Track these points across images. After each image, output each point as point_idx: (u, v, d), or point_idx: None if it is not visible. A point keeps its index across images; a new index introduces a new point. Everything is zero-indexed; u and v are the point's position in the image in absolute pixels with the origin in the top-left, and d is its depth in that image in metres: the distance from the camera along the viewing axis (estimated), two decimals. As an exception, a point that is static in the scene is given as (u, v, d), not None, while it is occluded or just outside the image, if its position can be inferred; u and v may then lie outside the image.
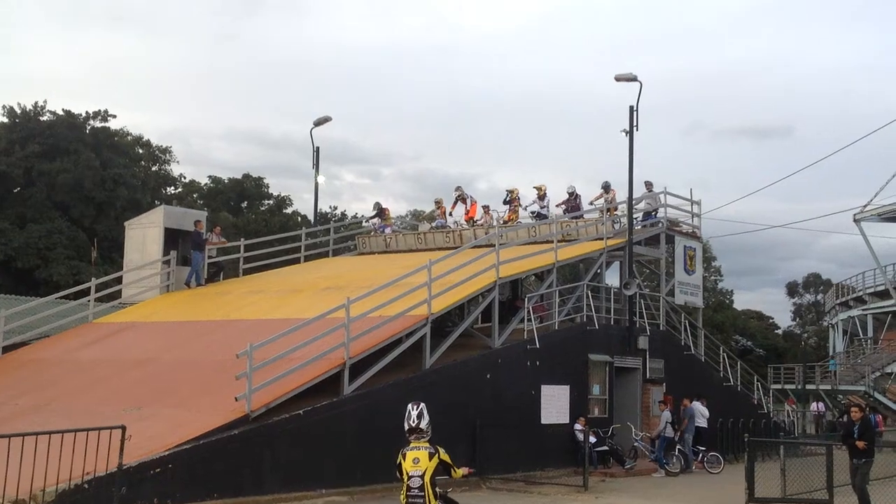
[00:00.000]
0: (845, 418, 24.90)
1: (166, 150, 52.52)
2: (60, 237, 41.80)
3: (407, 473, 9.54)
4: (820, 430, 38.48)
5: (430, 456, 9.56)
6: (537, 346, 22.49)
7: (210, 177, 60.55)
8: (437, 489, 9.61)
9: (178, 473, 14.43)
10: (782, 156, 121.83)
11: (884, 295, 57.46)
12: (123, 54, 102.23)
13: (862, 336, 59.77)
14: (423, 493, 9.48)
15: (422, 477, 9.49)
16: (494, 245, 22.96)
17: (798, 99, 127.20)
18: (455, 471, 9.90)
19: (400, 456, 9.67)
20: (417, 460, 9.57)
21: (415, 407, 9.86)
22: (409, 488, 9.52)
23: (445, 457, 9.62)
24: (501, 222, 29.16)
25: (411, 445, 9.69)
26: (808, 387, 47.27)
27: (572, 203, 29.44)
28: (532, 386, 22.40)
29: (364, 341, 18.23)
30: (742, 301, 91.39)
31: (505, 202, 30.13)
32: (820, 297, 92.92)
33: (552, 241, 25.10)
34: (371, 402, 18.12)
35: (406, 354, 19.34)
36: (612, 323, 26.34)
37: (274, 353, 16.70)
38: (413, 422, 9.78)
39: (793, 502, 17.24)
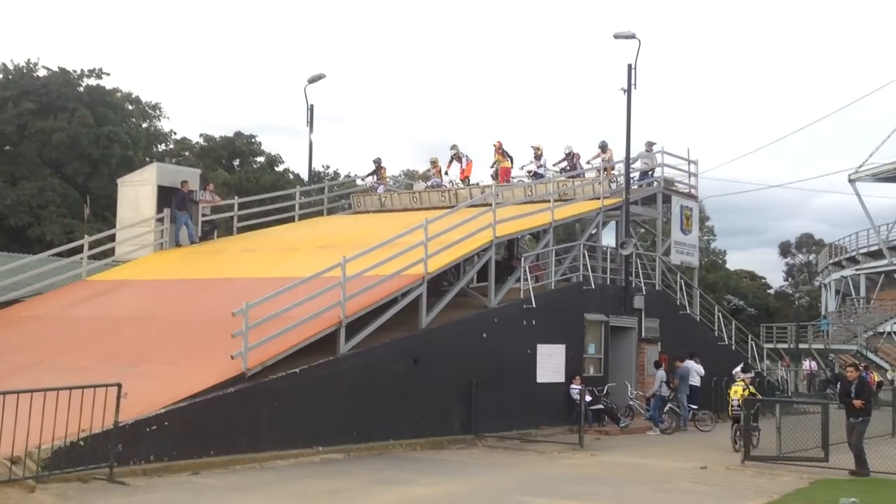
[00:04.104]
0: (838, 381, 25.02)
1: (156, 107, 52.00)
2: (53, 195, 41.41)
3: (731, 398, 20.44)
4: (812, 388, 38.71)
5: (743, 389, 20.01)
6: (533, 305, 22.46)
7: (202, 134, 60.06)
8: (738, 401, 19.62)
9: (174, 431, 14.38)
10: (778, 115, 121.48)
11: (877, 255, 57.61)
12: (108, 9, 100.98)
13: (854, 296, 60.00)
14: (740, 408, 19.12)
15: (738, 401, 19.58)
16: (491, 204, 22.83)
17: (794, 57, 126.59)
18: (757, 395, 20.85)
19: (727, 387, 22.24)
20: (736, 392, 20.26)
21: (739, 368, 23.50)
22: (731, 406, 20.37)
23: (752, 390, 20.39)
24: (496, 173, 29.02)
25: (736, 383, 21.07)
26: (801, 346, 47.46)
27: (569, 162, 29.30)
28: (528, 345, 22.40)
29: (360, 300, 18.14)
30: (735, 261, 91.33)
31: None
32: (812, 257, 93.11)
33: (549, 201, 24.94)
34: (367, 360, 18.09)
35: (402, 314, 19.26)
36: (608, 283, 26.36)
37: (270, 312, 16.59)
38: (734, 372, 23.28)
39: (788, 460, 17.29)
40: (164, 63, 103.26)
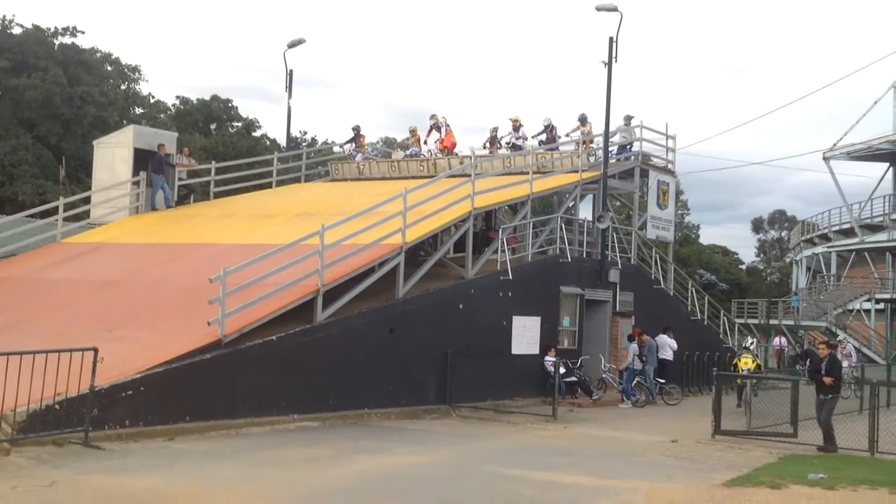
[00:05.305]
0: (807, 357, 25.53)
1: (135, 69, 51.32)
2: (26, 154, 40.86)
3: (740, 368, 23.10)
4: (781, 364, 39.15)
5: (752, 361, 23.48)
6: (510, 277, 22.52)
7: (178, 97, 59.48)
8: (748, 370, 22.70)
9: (150, 396, 14.37)
10: (754, 91, 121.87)
11: (849, 233, 58.23)
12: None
13: (825, 273, 60.63)
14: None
15: (748, 369, 22.56)
16: (469, 175, 22.83)
17: (772, 34, 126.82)
18: (760, 368, 24.34)
19: (737, 359, 24.17)
20: (746, 362, 23.13)
21: (748, 342, 27.53)
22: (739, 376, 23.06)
23: (758, 362, 24.34)
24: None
25: (743, 355, 24.03)
26: (772, 322, 48.02)
27: (548, 135, 29.33)
28: (504, 317, 22.50)
29: (338, 269, 18.14)
30: (708, 236, 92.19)
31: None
32: (784, 233, 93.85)
33: (527, 173, 24.97)
34: (344, 329, 18.12)
35: (379, 283, 19.28)
36: (584, 256, 26.47)
37: (247, 279, 16.56)
38: (746, 345, 26.55)
39: (758, 435, 17.54)
40: (141, 23, 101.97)
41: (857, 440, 16.51)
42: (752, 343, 27.40)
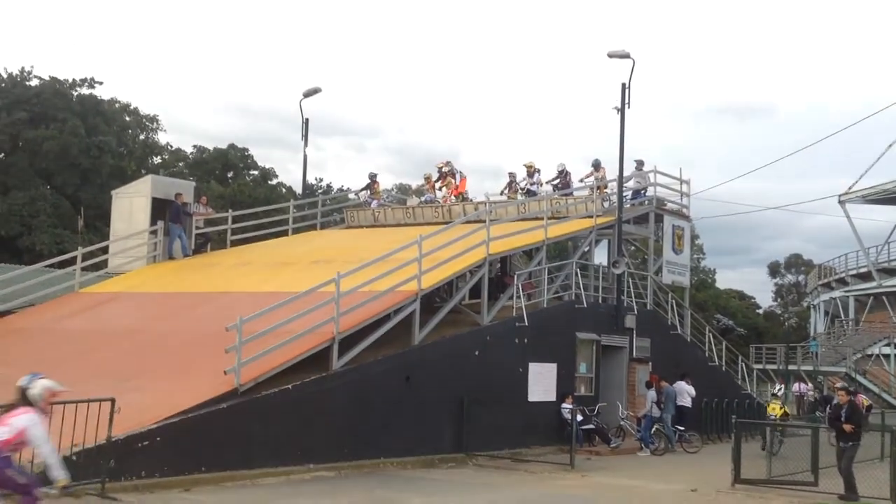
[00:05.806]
0: (827, 403, 25.33)
1: (154, 119, 51.95)
2: (44, 205, 41.30)
3: (768, 414, 24.40)
4: (802, 411, 38.72)
5: (780, 408, 24.43)
6: (526, 323, 22.45)
7: (195, 146, 60.15)
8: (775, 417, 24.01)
9: (166, 446, 14.33)
10: (766, 134, 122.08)
11: (866, 277, 57.89)
12: (105, 20, 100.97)
13: (843, 317, 60.21)
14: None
15: (775, 416, 23.76)
16: (484, 221, 22.88)
17: (781, 77, 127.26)
18: (788, 414, 25.14)
19: (767, 405, 26.13)
20: (773, 409, 24.40)
21: (776, 388, 32.10)
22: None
23: (786, 410, 24.99)
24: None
25: (771, 402, 25.59)
26: (790, 367, 47.63)
27: (562, 180, 29.43)
28: (520, 363, 22.41)
29: (354, 316, 18.13)
30: (724, 280, 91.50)
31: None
32: (801, 277, 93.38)
33: (542, 218, 25.02)
34: (359, 377, 18.07)
35: (395, 330, 19.26)
36: (599, 301, 26.38)
37: (263, 327, 16.56)
38: (775, 391, 29.78)
39: (778, 484, 17.31)
40: (159, 73, 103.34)
41: (879, 488, 16.24)
42: (779, 389, 27.55)
